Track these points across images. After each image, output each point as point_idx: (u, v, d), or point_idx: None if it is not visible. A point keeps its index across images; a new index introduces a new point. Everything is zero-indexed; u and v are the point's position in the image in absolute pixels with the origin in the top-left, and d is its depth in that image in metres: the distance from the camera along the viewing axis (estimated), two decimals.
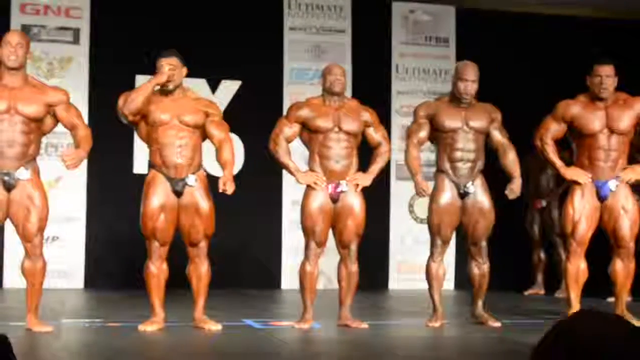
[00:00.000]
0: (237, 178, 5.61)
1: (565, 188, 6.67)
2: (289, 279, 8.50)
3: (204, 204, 5.55)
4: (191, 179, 5.51)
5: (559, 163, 5.99)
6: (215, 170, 5.94)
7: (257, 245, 8.71)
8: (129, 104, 5.48)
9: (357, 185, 5.84)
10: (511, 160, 6.02)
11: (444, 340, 5.72)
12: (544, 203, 8.71)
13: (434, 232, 6.02)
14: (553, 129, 5.97)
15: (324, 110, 5.89)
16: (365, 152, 6.05)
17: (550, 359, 1.26)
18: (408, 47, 9.26)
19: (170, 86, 5.55)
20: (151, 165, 5.61)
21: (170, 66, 5.53)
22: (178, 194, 5.51)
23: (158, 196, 5.49)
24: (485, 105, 6.10)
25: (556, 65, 9.01)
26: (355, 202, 5.85)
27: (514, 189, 5.96)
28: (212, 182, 5.66)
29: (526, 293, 8.69)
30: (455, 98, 6.03)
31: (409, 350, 5.27)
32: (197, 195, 5.53)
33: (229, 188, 5.46)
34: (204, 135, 5.64)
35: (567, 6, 9.34)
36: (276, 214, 8.77)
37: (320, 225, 5.80)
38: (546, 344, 1.28)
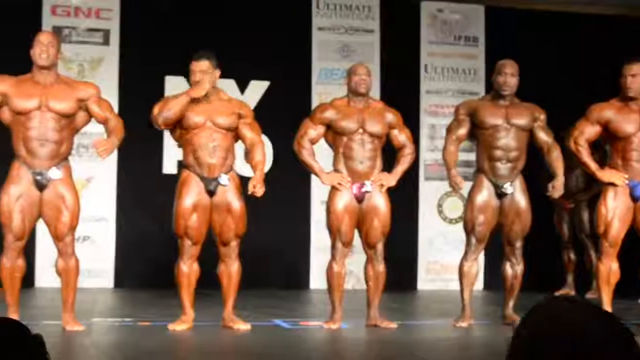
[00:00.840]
0: (265, 178, 5.62)
1: (597, 191, 6.60)
2: (317, 279, 8.50)
3: (236, 204, 5.58)
4: (224, 179, 5.55)
5: (593, 166, 5.95)
6: (244, 171, 5.97)
7: (285, 245, 8.72)
8: (164, 113, 5.53)
9: (382, 185, 5.84)
10: (555, 158, 6.01)
11: (473, 341, 5.70)
12: (572, 204, 8.65)
13: (469, 230, 6.02)
14: (587, 131, 5.95)
15: (349, 111, 5.89)
16: (389, 152, 6.04)
17: (527, 346, 1.28)
18: (437, 47, 9.22)
19: (202, 92, 5.58)
20: (184, 166, 5.65)
21: (201, 73, 5.53)
22: (211, 193, 5.54)
23: (191, 196, 5.53)
24: (529, 104, 6.12)
25: (587, 65, 8.92)
26: (380, 202, 5.85)
27: (557, 186, 5.95)
28: (242, 183, 5.68)
29: (557, 294, 8.61)
30: (495, 96, 6.06)
31: (437, 350, 5.25)
32: (230, 195, 5.57)
33: (259, 190, 5.49)
34: (237, 136, 5.68)
35: (599, 5, 9.25)
36: (304, 214, 8.78)
37: (346, 225, 5.81)
38: (521, 332, 1.31)
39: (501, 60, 6.17)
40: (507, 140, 5.97)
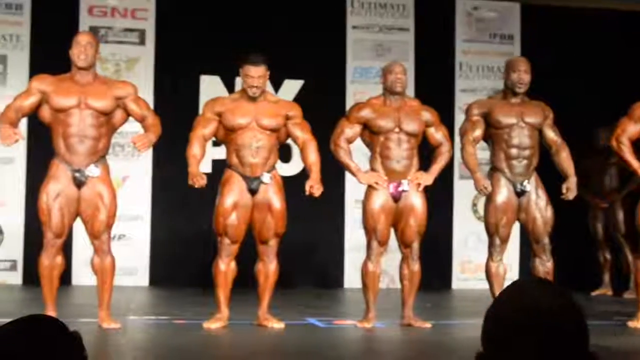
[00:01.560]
0: (300, 177, 5.64)
1: (632, 189, 6.53)
2: (351, 278, 8.49)
3: (277, 203, 5.60)
4: (266, 177, 5.58)
5: (635, 164, 5.88)
6: (283, 171, 5.97)
7: (320, 244, 8.72)
8: (188, 150, 5.58)
9: (419, 184, 5.82)
10: (565, 158, 5.96)
11: None
12: (607, 204, 8.55)
13: (492, 231, 5.98)
14: (629, 130, 5.89)
15: (385, 110, 5.88)
16: (425, 151, 6.01)
17: (496, 323, 1.44)
18: (472, 45, 9.17)
19: (257, 94, 5.59)
20: (228, 165, 5.68)
21: (259, 78, 5.57)
22: (253, 192, 5.57)
23: (232, 194, 5.56)
24: (538, 102, 6.08)
25: (625, 62, 8.82)
26: (416, 201, 5.83)
27: (571, 187, 5.89)
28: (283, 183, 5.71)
29: (593, 294, 8.53)
30: (508, 94, 6.01)
31: (471, 350, 5.21)
32: (271, 194, 5.60)
33: (316, 191, 5.51)
34: (283, 136, 5.69)
35: (637, 2, 9.13)
36: (339, 213, 8.77)
37: (382, 224, 5.79)
38: (490, 316, 1.46)
39: (513, 57, 6.15)
40: (522, 139, 5.93)
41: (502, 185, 5.94)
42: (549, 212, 5.95)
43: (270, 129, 5.62)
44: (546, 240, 5.97)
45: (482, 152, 6.88)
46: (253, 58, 5.60)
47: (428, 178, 5.86)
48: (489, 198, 5.97)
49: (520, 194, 5.92)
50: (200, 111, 6.00)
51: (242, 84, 5.71)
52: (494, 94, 6.46)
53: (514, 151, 5.93)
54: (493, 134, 5.99)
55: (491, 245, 6.00)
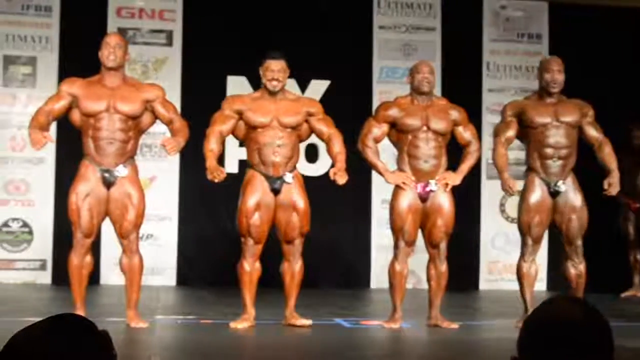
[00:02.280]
0: (325, 177, 5.64)
1: None
2: (378, 278, 8.48)
3: (301, 202, 5.61)
4: (289, 177, 5.59)
5: None
6: (309, 171, 5.98)
7: (346, 244, 8.72)
8: (205, 144, 5.59)
9: (447, 184, 5.79)
10: (607, 154, 5.91)
11: None
12: (639, 204, 8.47)
13: (525, 231, 5.94)
14: None
15: (413, 109, 5.86)
16: (453, 150, 5.98)
17: (530, 346, 1.55)
18: (499, 44, 9.12)
19: (277, 88, 5.61)
20: (249, 165, 5.69)
21: (279, 72, 5.58)
22: (276, 192, 5.58)
23: (255, 195, 5.57)
24: (576, 100, 6.03)
25: None
26: (444, 201, 5.81)
27: (613, 182, 5.85)
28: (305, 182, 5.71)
29: (623, 295, 8.45)
30: (543, 93, 5.98)
31: (499, 351, 5.18)
32: (294, 193, 5.61)
33: (340, 179, 5.50)
34: (304, 134, 5.70)
35: None
36: (365, 213, 8.76)
37: (410, 224, 5.78)
38: (526, 326, 1.58)
39: (546, 57, 6.12)
40: (557, 138, 5.89)
41: (536, 185, 5.91)
42: (584, 214, 5.91)
43: (291, 127, 5.62)
44: (579, 242, 5.93)
45: (520, 153, 6.85)
46: (273, 53, 5.66)
47: (456, 178, 5.84)
48: (523, 198, 5.94)
49: (554, 194, 5.88)
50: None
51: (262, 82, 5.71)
52: (530, 94, 6.41)
53: (549, 151, 5.90)
54: (528, 134, 5.97)
55: (523, 245, 5.97)
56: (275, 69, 5.60)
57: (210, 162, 5.47)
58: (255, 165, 5.64)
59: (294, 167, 5.67)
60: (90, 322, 1.53)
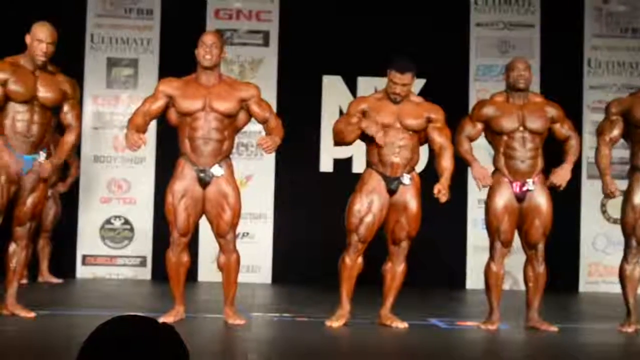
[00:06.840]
0: (423, 175, 5.59)
1: None
2: (473, 279, 8.37)
3: (413, 204, 5.60)
4: (406, 178, 5.58)
5: None
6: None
7: (441, 244, 8.63)
8: (337, 136, 5.66)
9: (560, 186, 5.68)
10: None
11: (639, 347, 5.45)
12: None
13: (629, 232, 5.76)
14: None
15: (508, 108, 5.76)
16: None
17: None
18: (601, 40, 8.86)
19: (397, 100, 5.61)
20: (368, 164, 5.71)
21: (403, 86, 5.56)
22: (392, 192, 5.57)
23: (370, 194, 5.58)
24: None
25: None
26: (542, 201, 5.69)
27: None
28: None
29: None
30: None
31: (599, 355, 5.05)
32: (408, 195, 5.60)
33: (443, 196, 5.47)
34: (424, 138, 5.69)
35: None
36: (461, 213, 8.66)
37: (506, 224, 5.68)
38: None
39: None
40: None
41: None
42: None
43: (412, 129, 5.61)
44: None
45: (624, 152, 6.65)
46: (400, 64, 5.58)
47: (565, 175, 5.69)
48: (627, 198, 5.76)
49: None
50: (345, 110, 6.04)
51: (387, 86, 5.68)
52: (635, 90, 6.21)
53: None
54: (633, 133, 5.78)
55: (627, 247, 5.79)
56: (399, 82, 5.55)
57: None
58: (374, 164, 5.64)
59: (413, 169, 5.65)
60: (153, 321, 1.57)
